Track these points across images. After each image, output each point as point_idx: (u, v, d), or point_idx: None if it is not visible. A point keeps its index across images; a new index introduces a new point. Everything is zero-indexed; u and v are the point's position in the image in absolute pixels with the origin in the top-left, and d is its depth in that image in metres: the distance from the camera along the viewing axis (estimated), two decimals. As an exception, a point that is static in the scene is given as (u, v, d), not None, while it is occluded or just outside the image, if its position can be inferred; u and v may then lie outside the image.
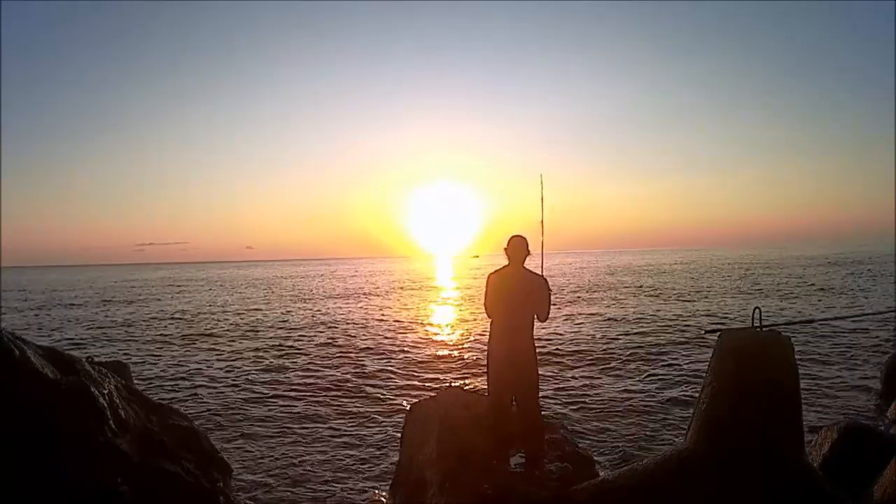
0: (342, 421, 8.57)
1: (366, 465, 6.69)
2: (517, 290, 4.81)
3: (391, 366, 12.87)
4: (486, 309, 5.00)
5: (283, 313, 25.67)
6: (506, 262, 4.92)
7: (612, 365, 12.24)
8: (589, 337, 15.86)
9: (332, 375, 11.93)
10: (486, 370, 5.05)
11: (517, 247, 4.86)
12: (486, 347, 5.04)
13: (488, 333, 4.95)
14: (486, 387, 5.11)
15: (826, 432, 5.02)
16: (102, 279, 78.71)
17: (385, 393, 10.41)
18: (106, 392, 4.37)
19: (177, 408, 5.59)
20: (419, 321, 21.76)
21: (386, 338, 17.25)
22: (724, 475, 3.79)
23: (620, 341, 15.03)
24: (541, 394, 5.02)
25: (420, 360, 13.63)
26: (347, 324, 21.10)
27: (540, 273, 4.91)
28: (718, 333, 4.26)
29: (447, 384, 9.98)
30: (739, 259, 77.80)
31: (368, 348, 15.27)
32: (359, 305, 29.23)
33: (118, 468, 4.03)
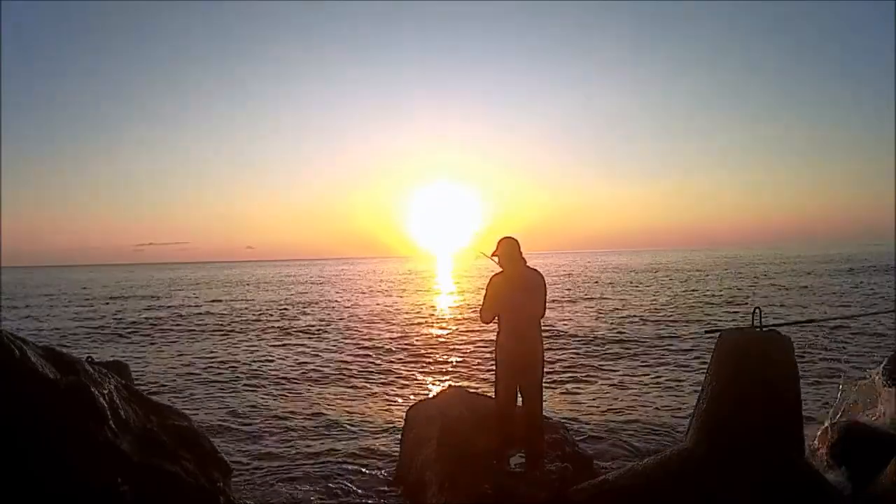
0: (341, 421, 8.56)
1: (365, 466, 6.69)
2: (524, 290, 4.84)
3: (391, 365, 12.86)
4: (482, 314, 4.95)
5: (283, 313, 25.66)
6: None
7: (611, 364, 12.23)
8: (587, 336, 15.85)
9: (331, 375, 11.93)
10: (492, 370, 5.06)
11: (508, 248, 4.90)
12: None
13: (497, 334, 4.95)
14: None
15: (826, 432, 5.03)
16: (102, 279, 78.67)
17: (385, 393, 10.41)
18: (106, 392, 4.36)
19: (177, 408, 5.59)
20: (420, 321, 21.75)
21: (386, 337, 17.24)
22: (724, 475, 3.79)
23: (619, 341, 15.02)
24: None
25: (420, 359, 13.61)
26: (348, 324, 21.09)
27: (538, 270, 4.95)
28: (718, 333, 4.26)
29: (447, 384, 9.98)
30: (739, 259, 77.78)
31: (369, 348, 15.26)
32: (360, 305, 29.22)
33: (118, 468, 4.03)
